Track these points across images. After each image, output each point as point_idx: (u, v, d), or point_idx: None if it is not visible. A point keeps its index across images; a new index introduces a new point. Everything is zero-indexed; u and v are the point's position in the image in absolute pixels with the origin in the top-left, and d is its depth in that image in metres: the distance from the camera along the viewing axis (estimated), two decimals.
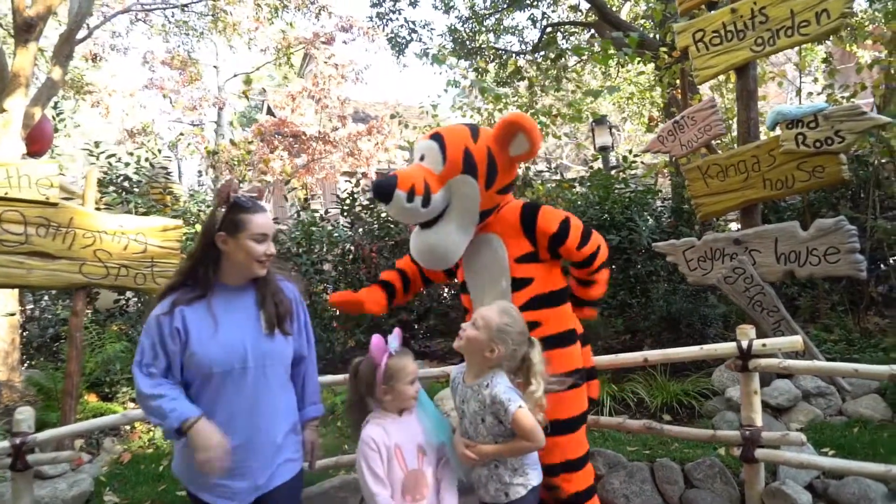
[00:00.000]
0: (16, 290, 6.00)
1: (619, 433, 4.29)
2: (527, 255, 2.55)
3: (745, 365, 3.37)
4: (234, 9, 12.38)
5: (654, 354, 3.68)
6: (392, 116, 8.24)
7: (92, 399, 5.23)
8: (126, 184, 6.84)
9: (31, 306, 7.22)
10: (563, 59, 8.47)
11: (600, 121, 10.11)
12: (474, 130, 2.55)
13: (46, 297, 7.55)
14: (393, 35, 10.57)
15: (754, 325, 4.23)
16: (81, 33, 7.81)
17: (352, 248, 6.23)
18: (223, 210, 2.07)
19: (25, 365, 7.09)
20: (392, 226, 6.32)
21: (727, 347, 3.47)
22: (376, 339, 2.31)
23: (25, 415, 3.34)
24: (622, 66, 9.92)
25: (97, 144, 6.87)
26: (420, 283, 3.13)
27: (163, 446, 4.82)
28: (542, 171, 6.85)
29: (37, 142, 7.44)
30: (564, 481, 2.55)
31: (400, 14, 10.10)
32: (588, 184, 6.42)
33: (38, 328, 7.11)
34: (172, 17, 12.23)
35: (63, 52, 7.10)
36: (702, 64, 4.34)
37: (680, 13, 4.56)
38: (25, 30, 6.15)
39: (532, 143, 2.44)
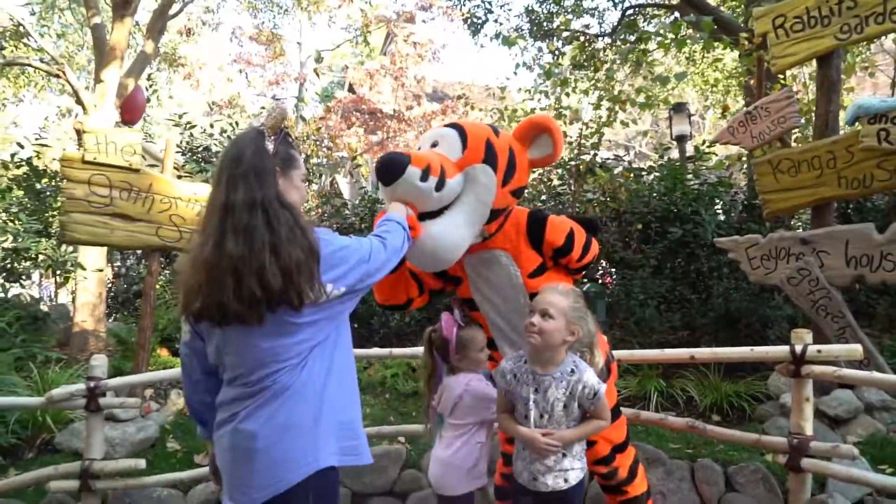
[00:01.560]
0: (104, 249, 6.51)
1: (663, 430, 4.20)
2: (538, 269, 2.45)
3: (798, 370, 3.22)
4: None
5: (702, 352, 3.58)
6: (459, 97, 8.22)
7: (164, 353, 5.64)
8: (204, 154, 7.24)
9: (119, 264, 7.81)
10: (642, 42, 8.16)
11: (679, 108, 9.71)
12: (495, 129, 2.43)
13: (132, 257, 8.15)
14: (469, 15, 10.52)
15: (817, 329, 4.06)
16: (175, 8, 8.24)
17: None
18: (274, 141, 1.76)
19: (112, 318, 7.71)
20: None
21: (780, 351, 3.33)
22: (446, 316, 2.57)
23: (100, 362, 3.65)
24: (707, 52, 9.46)
25: (180, 116, 7.29)
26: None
27: None
28: (608, 159, 6.68)
29: (130, 111, 7.95)
30: (620, 465, 2.61)
31: None
32: (656, 173, 6.22)
33: (124, 284, 7.69)
34: None
35: (156, 27, 7.55)
36: (781, 51, 4.10)
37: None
38: (122, 5, 6.59)
39: (555, 147, 2.36)
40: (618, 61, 9.39)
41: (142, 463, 3.65)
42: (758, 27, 4.22)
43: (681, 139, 9.68)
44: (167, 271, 7.14)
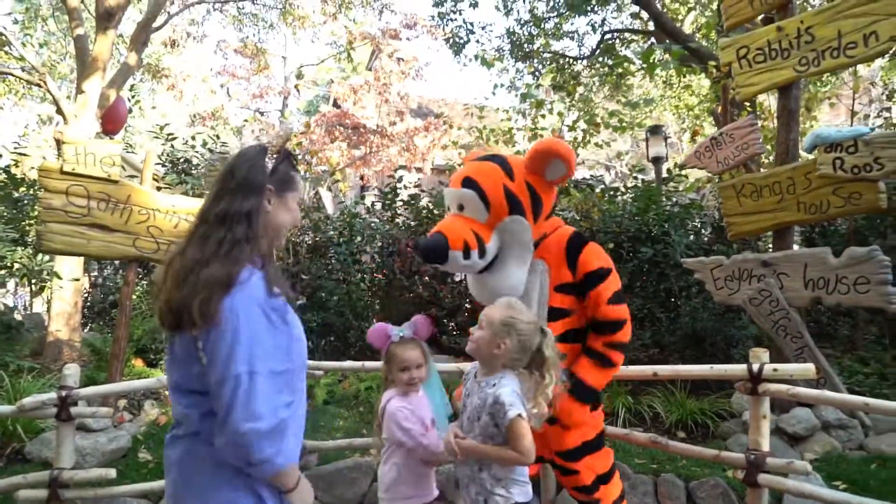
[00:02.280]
0: (81, 259, 6.50)
1: (630, 445, 4.30)
2: (566, 286, 2.50)
3: (755, 388, 3.35)
4: (302, 2, 12.81)
5: (665, 369, 3.69)
6: (437, 116, 8.36)
7: (138, 363, 5.63)
8: (185, 165, 7.27)
9: (95, 274, 7.78)
10: (620, 67, 8.39)
11: (655, 130, 9.95)
12: (505, 166, 2.47)
13: (109, 267, 8.12)
14: (452, 35, 10.72)
15: (776, 350, 4.20)
16: (159, 21, 8.31)
17: (389, 241, 6.42)
18: (275, 160, 1.71)
19: (88, 328, 7.66)
20: (429, 221, 6.48)
21: (738, 369, 3.45)
22: (379, 326, 2.55)
23: (72, 371, 3.67)
24: (681, 77, 9.74)
25: (161, 128, 7.33)
26: None
27: None
28: (586, 178, 6.84)
29: (112, 121, 7.96)
30: (602, 497, 2.62)
31: (460, 14, 10.24)
32: (629, 195, 6.39)
33: (101, 294, 7.66)
34: (242, 8, 12.74)
35: (140, 39, 7.61)
36: (744, 81, 4.29)
37: (726, 28, 4.51)
38: (105, 18, 6.64)
39: (568, 166, 2.42)
40: (596, 84, 9.61)
41: (112, 473, 3.65)
42: (723, 57, 4.41)
43: (657, 160, 9.90)
44: (144, 282, 7.13)
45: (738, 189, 4.35)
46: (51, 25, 11.83)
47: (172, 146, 7.35)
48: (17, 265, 5.95)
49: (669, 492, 3.75)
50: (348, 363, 4.82)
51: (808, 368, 3.25)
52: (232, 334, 1.43)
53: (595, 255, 2.49)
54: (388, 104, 14.82)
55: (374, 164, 16.26)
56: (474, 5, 10.01)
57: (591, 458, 2.66)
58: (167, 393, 5.43)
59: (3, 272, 5.82)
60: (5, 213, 6.35)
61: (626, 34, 9.68)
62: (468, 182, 2.42)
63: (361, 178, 16.33)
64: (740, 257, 4.29)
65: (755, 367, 3.34)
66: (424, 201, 6.69)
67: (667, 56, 6.25)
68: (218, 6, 12.49)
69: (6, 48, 7.14)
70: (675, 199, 6.18)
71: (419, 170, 16.23)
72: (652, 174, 10.31)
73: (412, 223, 6.56)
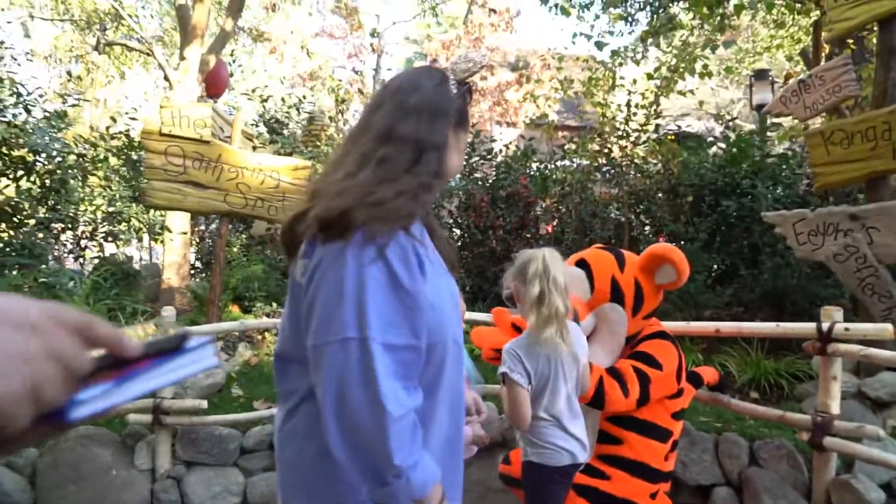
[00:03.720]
0: (188, 214, 7.14)
1: (695, 402, 4.21)
2: None
3: (824, 348, 3.18)
4: None
5: (727, 326, 3.57)
6: (514, 69, 8.17)
7: (235, 309, 6.18)
8: (276, 125, 7.70)
9: (203, 227, 8.50)
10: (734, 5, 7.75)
11: (760, 75, 9.20)
12: (620, 258, 2.58)
13: (215, 222, 8.83)
14: None
15: (865, 310, 3.91)
16: None
17: (466, 196, 6.51)
18: (460, 90, 1.35)
19: (196, 278, 8.45)
20: (505, 177, 6.48)
21: (806, 328, 3.28)
22: None
23: (168, 312, 4.13)
24: (794, 14, 8.83)
25: (254, 90, 7.77)
26: None
27: None
28: (677, 129, 6.52)
29: (214, 85, 8.53)
30: None
31: None
32: (720, 145, 6.04)
33: (208, 247, 8.38)
34: None
35: (235, 6, 8.03)
36: (838, 15, 3.89)
37: None
38: None
39: (679, 274, 2.50)
40: (699, 27, 8.97)
41: (204, 404, 4.12)
42: None
43: (761, 108, 9.18)
44: (244, 236, 7.71)
45: (827, 136, 4.00)
46: None
47: (264, 107, 7.80)
48: (133, 220, 6.64)
49: (730, 451, 3.66)
50: None
51: (885, 328, 3.03)
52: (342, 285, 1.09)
53: (656, 347, 2.52)
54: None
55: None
56: None
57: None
58: (260, 337, 5.95)
59: (122, 226, 6.52)
60: (125, 174, 7.07)
61: None
62: (581, 263, 2.57)
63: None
64: (825, 210, 3.98)
65: (825, 325, 3.16)
66: (501, 157, 6.69)
67: None
68: None
69: (123, 21, 7.80)
70: (767, 150, 5.76)
71: (512, 124, 16.03)
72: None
73: (490, 178, 6.59)
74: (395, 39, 17.15)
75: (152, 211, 6.94)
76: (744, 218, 5.25)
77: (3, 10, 11.56)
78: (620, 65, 6.21)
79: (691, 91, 5.94)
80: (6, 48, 6.03)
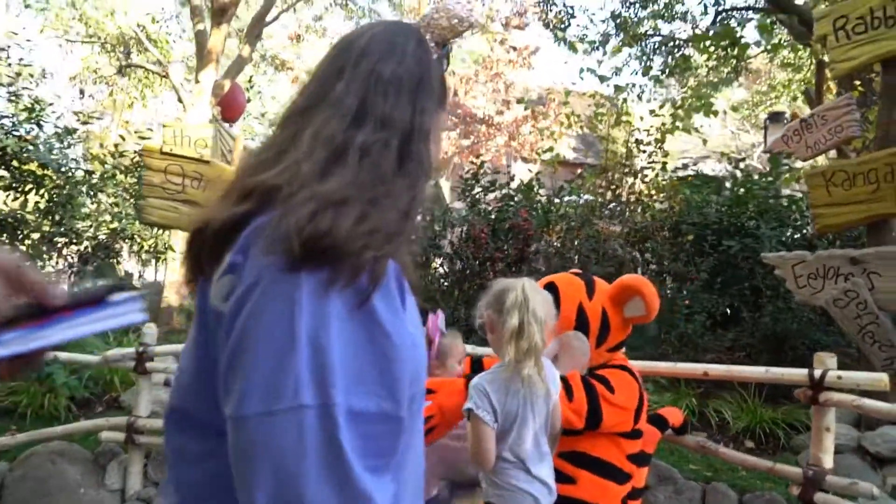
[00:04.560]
0: None
1: (685, 449, 4.02)
2: None
3: (816, 397, 3.01)
4: None
5: (716, 369, 3.42)
6: (519, 101, 8.20)
7: None
8: None
9: None
10: (736, 46, 7.74)
11: (775, 118, 9.11)
12: (590, 285, 2.48)
13: None
14: (556, 20, 10.46)
15: (865, 359, 3.74)
16: (272, 15, 8.91)
17: (466, 228, 6.46)
18: (439, 55, 1.01)
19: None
20: (507, 209, 6.42)
21: (797, 374, 3.12)
22: (433, 318, 2.52)
23: (150, 330, 4.10)
24: (811, 58, 8.78)
25: (263, 114, 7.87)
26: None
27: None
28: (679, 168, 6.44)
29: (230, 109, 8.63)
30: None
31: None
32: (727, 185, 5.94)
33: None
34: (356, 4, 13.28)
35: (253, 33, 8.22)
36: (841, 55, 3.81)
37: None
38: (219, 14, 7.24)
39: (649, 310, 2.38)
40: (709, 67, 8.96)
41: None
42: (818, 29, 3.94)
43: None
44: None
45: (828, 177, 3.88)
46: (184, 22, 13.13)
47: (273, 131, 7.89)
48: (137, 237, 6.69)
49: (718, 501, 3.47)
50: None
51: (880, 379, 2.86)
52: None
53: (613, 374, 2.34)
54: (497, 93, 14.79)
55: (483, 153, 16.36)
56: None
57: None
58: None
59: (126, 243, 6.57)
60: (132, 191, 7.16)
61: (744, 12, 8.84)
62: (550, 286, 2.45)
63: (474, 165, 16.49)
64: (825, 253, 3.84)
65: (817, 372, 3.00)
66: (506, 190, 6.65)
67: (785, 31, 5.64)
68: (337, 2, 13.16)
69: (143, 45, 8.01)
70: (774, 191, 5.64)
71: (526, 160, 16.04)
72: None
73: (492, 211, 6.54)
74: None
75: (157, 230, 6.99)
76: (747, 259, 5.10)
77: (40, 31, 12.05)
78: (625, 100, 6.17)
79: (697, 129, 5.87)
80: (24, 65, 6.21)
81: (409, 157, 0.85)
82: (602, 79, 5.76)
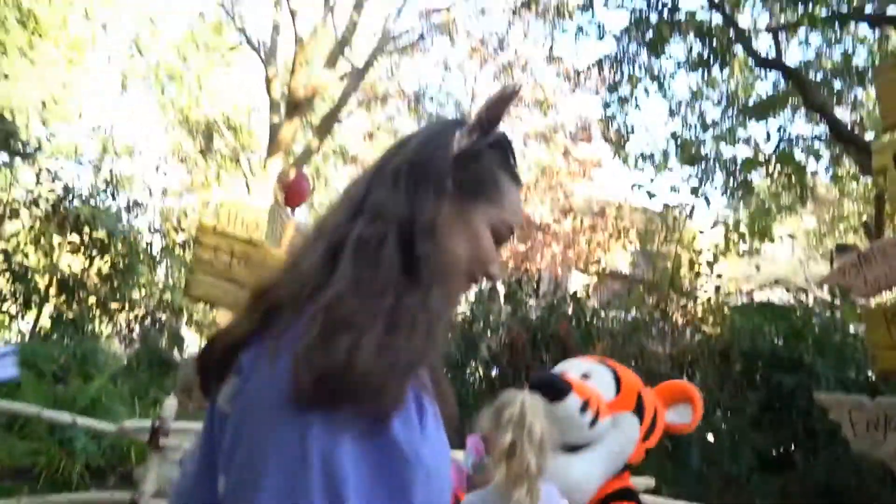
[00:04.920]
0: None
1: None
2: None
3: None
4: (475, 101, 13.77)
5: None
6: (562, 211, 8.10)
7: None
8: None
9: None
10: (799, 174, 7.63)
11: (843, 249, 8.71)
12: (643, 382, 2.45)
13: None
14: (614, 135, 10.69)
15: None
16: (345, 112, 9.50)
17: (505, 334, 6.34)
18: (472, 140, 0.87)
19: None
20: (549, 318, 6.28)
21: None
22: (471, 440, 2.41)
23: (169, 403, 4.09)
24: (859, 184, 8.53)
25: (321, 203, 8.21)
26: None
27: None
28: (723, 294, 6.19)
29: (294, 197, 9.07)
30: None
31: (626, 116, 10.22)
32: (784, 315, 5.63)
33: None
34: (415, 104, 13.99)
35: (324, 128, 8.75)
36: None
37: (884, 128, 3.93)
38: (293, 108, 7.78)
39: (694, 419, 2.29)
40: (771, 191, 8.81)
41: None
42: (876, 161, 3.80)
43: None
44: None
45: (889, 316, 3.59)
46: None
47: None
48: (184, 310, 6.90)
49: None
50: None
51: None
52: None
53: None
54: (556, 202, 14.97)
55: (537, 260, 16.34)
56: (638, 106, 9.93)
57: None
58: None
59: (173, 314, 6.78)
60: (190, 266, 7.48)
61: (807, 140, 8.77)
62: (605, 362, 2.29)
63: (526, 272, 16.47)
64: (886, 401, 3.48)
65: None
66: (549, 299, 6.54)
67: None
68: (409, 104, 13.97)
69: (220, 132, 8.64)
70: (838, 326, 5.29)
71: (583, 270, 15.91)
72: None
73: (532, 318, 6.41)
74: None
75: (204, 305, 7.21)
76: (803, 397, 4.71)
77: (143, 120, 13.32)
78: (674, 219, 6.09)
79: (756, 253, 5.67)
80: (108, 140, 6.79)
81: (416, 257, 0.77)
82: (650, 195, 5.75)
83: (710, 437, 4.83)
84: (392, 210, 0.79)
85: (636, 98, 9.69)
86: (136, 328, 6.64)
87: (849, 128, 7.60)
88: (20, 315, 6.06)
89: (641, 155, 9.77)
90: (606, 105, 10.65)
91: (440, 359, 0.87)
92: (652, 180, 8.00)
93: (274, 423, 0.67)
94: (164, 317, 6.83)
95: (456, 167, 0.84)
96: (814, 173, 7.91)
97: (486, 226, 0.87)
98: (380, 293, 0.71)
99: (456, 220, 0.84)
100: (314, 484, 0.64)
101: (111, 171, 6.61)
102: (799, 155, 8.36)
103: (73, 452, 4.54)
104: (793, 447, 4.63)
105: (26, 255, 6.13)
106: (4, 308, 5.90)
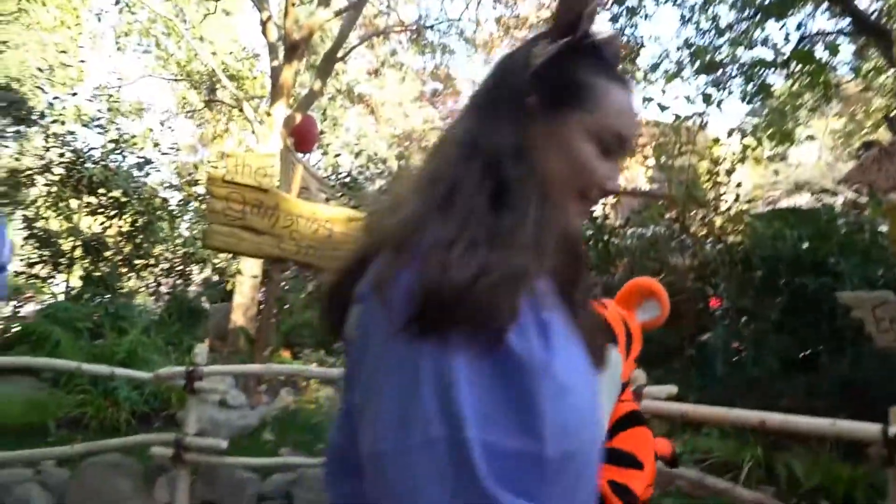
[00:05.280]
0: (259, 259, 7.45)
1: None
2: None
3: (892, 457, 2.66)
4: (480, 27, 13.33)
5: (773, 418, 3.09)
6: None
7: (286, 354, 6.28)
8: (348, 179, 8.00)
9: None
10: (821, 73, 7.29)
11: (868, 146, 8.42)
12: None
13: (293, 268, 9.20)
14: (629, 51, 10.27)
15: None
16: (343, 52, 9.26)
17: None
18: (551, 49, 0.80)
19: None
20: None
21: (868, 430, 2.77)
22: None
23: (200, 350, 4.22)
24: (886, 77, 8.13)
25: (327, 146, 8.16)
26: None
27: (323, 405, 5.58)
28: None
29: (303, 142, 9.02)
30: None
31: (635, 28, 9.79)
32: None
33: (280, 290, 8.69)
34: (428, 39, 13.61)
35: (324, 69, 8.57)
36: None
37: None
38: (291, 50, 7.60)
39: (662, 308, 2.24)
40: (792, 93, 8.46)
41: (223, 444, 4.10)
42: None
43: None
44: (311, 283, 7.93)
45: None
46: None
47: (336, 163, 8.16)
48: (208, 261, 7.02)
49: None
50: None
51: None
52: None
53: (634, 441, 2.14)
54: None
55: None
56: (647, 17, 9.50)
57: None
58: (304, 384, 5.97)
59: (196, 266, 6.91)
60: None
61: (829, 36, 8.30)
62: None
63: None
64: None
65: (892, 430, 2.65)
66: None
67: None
68: (411, 37, 13.57)
69: (224, 82, 8.54)
70: (861, 225, 5.19)
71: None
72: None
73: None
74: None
75: (226, 254, 7.32)
76: (826, 299, 4.68)
77: (141, 77, 13.15)
78: (688, 130, 5.91)
79: (770, 159, 5.51)
80: (114, 101, 6.76)
81: (508, 183, 0.75)
82: (662, 108, 5.56)
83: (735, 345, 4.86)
84: (479, 140, 0.77)
85: (645, 7, 9.27)
86: (165, 282, 6.81)
87: (873, 18, 7.19)
88: (51, 278, 6.26)
89: (652, 66, 9.43)
90: (614, 18, 10.22)
91: (578, 277, 0.84)
92: (664, 92, 7.73)
93: (387, 351, 0.68)
94: (189, 269, 6.98)
95: (537, 82, 0.79)
96: (834, 69, 7.53)
97: (584, 138, 0.80)
98: (477, 218, 0.71)
99: (547, 139, 0.79)
100: (429, 408, 0.65)
101: (118, 130, 6.58)
102: (821, 52, 7.99)
103: (117, 401, 4.76)
104: (818, 349, 4.64)
105: (47, 220, 6.27)
106: (35, 272, 6.08)
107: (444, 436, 0.64)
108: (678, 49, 9.29)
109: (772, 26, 8.66)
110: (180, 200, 6.95)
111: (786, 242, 4.98)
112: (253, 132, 7.94)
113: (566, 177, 0.80)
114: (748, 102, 9.44)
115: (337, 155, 8.15)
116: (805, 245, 5.08)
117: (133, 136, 6.40)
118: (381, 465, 0.67)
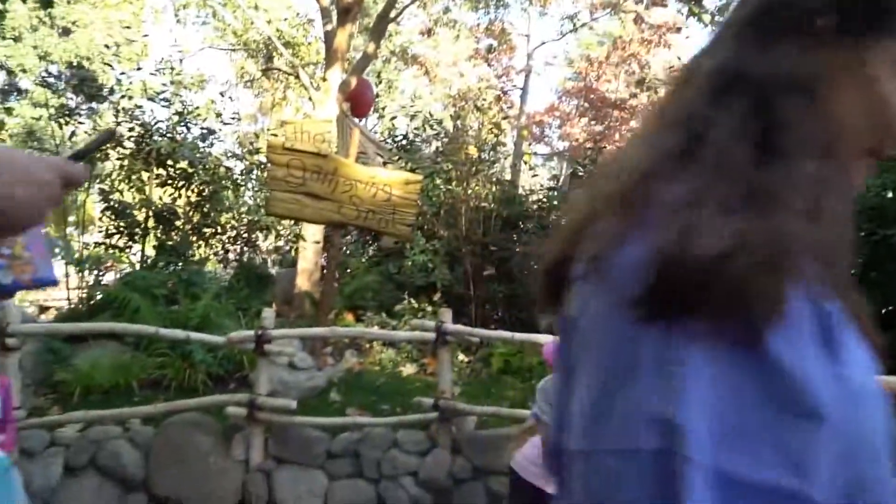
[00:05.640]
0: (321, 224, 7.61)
1: None
2: None
3: None
4: None
5: None
6: (637, 84, 7.61)
7: (349, 317, 6.43)
8: (405, 143, 7.98)
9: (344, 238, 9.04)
10: None
11: None
12: None
13: (353, 234, 9.35)
14: None
15: None
16: (395, 12, 9.14)
17: None
18: None
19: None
20: None
21: None
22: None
23: (268, 314, 4.38)
24: None
25: (383, 109, 8.14)
26: None
27: (387, 366, 5.72)
28: None
29: (359, 105, 9.05)
30: None
31: None
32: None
33: (342, 255, 8.88)
34: None
35: (377, 31, 8.48)
36: None
37: None
38: (344, 13, 7.55)
39: None
40: None
41: (292, 404, 4.29)
42: None
43: None
44: (371, 248, 8.05)
45: None
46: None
47: (392, 125, 8.15)
48: (272, 228, 7.23)
49: None
50: (514, 335, 4.86)
51: None
52: None
53: None
54: (631, 75, 14.08)
55: (616, 139, 15.68)
56: None
57: None
58: (368, 346, 6.12)
59: (260, 234, 7.12)
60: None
61: None
62: None
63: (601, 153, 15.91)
64: None
65: None
66: None
67: None
68: None
69: (280, 50, 8.61)
70: None
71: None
72: None
73: None
74: (544, 59, 17.05)
75: (290, 221, 7.50)
76: None
77: (201, 49, 13.50)
78: None
79: None
80: (177, 74, 6.94)
81: (779, 126, 0.58)
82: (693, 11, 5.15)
83: None
84: (747, 70, 0.61)
85: None
86: (232, 249, 7.07)
87: None
88: (128, 247, 6.62)
89: (719, 9, 8.82)
90: None
91: (844, 256, 0.60)
92: None
93: (605, 337, 0.58)
94: (255, 236, 7.21)
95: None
96: None
97: (893, 73, 0.61)
98: (735, 171, 0.56)
99: (842, 72, 0.61)
100: (644, 412, 0.52)
101: (182, 102, 6.77)
102: None
103: (193, 364, 5.02)
104: None
105: (121, 193, 6.59)
106: (113, 242, 6.43)
107: (652, 450, 0.51)
108: None
109: None
110: (243, 169, 7.13)
111: (868, 191, 4.64)
112: (310, 99, 8.00)
113: (862, 122, 0.61)
114: None
115: (393, 118, 8.14)
116: (889, 194, 4.73)
117: (196, 108, 6.58)
118: (570, 461, 0.59)
